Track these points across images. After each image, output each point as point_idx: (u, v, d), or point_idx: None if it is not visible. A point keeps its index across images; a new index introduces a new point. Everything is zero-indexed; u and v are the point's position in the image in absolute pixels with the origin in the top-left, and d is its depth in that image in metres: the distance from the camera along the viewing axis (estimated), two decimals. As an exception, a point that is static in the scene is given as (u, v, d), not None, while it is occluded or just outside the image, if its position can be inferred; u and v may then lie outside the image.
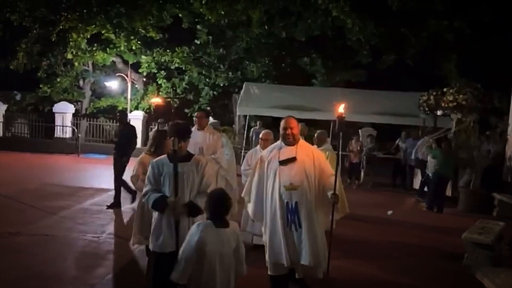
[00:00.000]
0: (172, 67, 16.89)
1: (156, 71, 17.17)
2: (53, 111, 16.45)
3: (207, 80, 16.71)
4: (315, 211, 3.94)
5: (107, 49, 16.27)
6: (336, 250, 4.65)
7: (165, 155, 3.54)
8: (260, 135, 5.76)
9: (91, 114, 17.82)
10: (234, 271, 3.07)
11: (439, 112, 10.30)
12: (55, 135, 16.25)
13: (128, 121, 9.17)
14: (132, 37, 15.75)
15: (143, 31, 15.41)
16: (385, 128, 14.56)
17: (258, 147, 5.70)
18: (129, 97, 16.96)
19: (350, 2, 12.45)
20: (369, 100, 12.54)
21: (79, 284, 4.40)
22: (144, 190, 3.53)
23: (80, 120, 17.16)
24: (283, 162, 3.91)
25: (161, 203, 3.32)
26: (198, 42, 16.38)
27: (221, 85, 16.47)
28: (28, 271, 4.58)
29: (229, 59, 16.65)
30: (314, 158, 3.98)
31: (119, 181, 7.55)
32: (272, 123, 15.16)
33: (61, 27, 15.20)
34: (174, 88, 17.39)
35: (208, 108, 17.12)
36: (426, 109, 10.44)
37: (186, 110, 17.23)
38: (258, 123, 14.26)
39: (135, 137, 7.95)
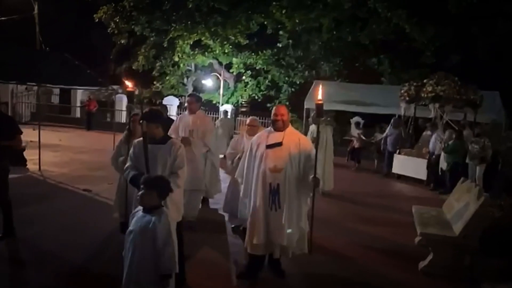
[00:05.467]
0: (257, 68, 19.70)
1: (243, 71, 20.12)
2: (163, 103, 20.25)
3: (286, 78, 19.17)
4: (297, 193, 4.11)
5: (206, 52, 19.76)
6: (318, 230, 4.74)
7: None
8: (247, 121, 5.95)
9: (192, 106, 21.41)
10: None
11: (418, 102, 10.87)
12: (164, 123, 19.95)
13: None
14: (225, 42, 18.93)
15: (232, 38, 18.42)
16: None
17: (244, 133, 5.81)
18: (221, 92, 20.16)
19: (408, 10, 13.79)
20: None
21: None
22: (126, 166, 3.86)
23: (183, 111, 20.83)
24: (269, 146, 4.13)
25: (137, 180, 3.49)
26: (280, 45, 18.93)
27: (298, 82, 18.79)
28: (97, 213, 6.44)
29: (308, 60, 18.88)
30: (300, 145, 4.15)
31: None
32: (334, 116, 17.14)
33: (170, 35, 18.99)
34: (259, 86, 20.19)
35: (287, 103, 19.60)
36: (407, 98, 11.00)
37: (268, 105, 19.88)
38: (325, 115, 15.98)
39: (14, 131, 5.13)
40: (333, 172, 9.06)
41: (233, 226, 5.89)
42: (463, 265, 4.69)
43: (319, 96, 3.98)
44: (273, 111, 4.28)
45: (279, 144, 4.10)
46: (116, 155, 4.75)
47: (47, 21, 21.40)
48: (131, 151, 3.85)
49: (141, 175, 3.49)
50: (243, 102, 22.34)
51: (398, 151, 11.48)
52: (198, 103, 6.08)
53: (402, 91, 11.21)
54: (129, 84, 3.93)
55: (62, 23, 21.78)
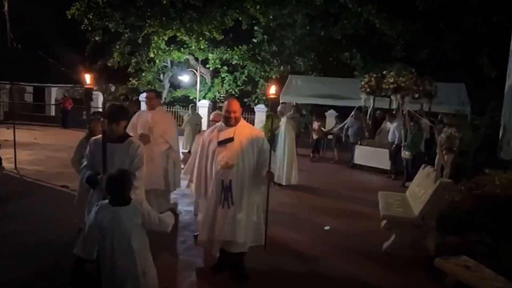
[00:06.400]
0: (233, 63, 19.93)
1: (220, 67, 20.30)
2: (139, 99, 20.18)
3: (262, 73, 19.47)
4: (250, 189, 4.02)
5: (181, 48, 19.85)
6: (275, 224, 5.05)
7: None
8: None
9: (169, 103, 21.53)
10: (143, 243, 3.07)
11: (380, 93, 11.05)
12: (141, 119, 19.95)
13: None
14: (201, 38, 19.06)
15: (208, 33, 18.58)
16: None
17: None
18: (198, 88, 20.30)
19: (377, 5, 14.25)
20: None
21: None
22: (82, 165, 3.73)
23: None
24: (221, 143, 4.02)
25: (93, 180, 3.47)
26: (256, 41, 19.20)
27: (274, 77, 19.10)
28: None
29: (284, 55, 19.21)
30: (253, 138, 4.05)
31: None
32: (312, 109, 17.51)
33: (145, 31, 19.00)
34: (236, 81, 20.43)
35: (264, 98, 19.88)
36: (368, 90, 11.19)
37: (245, 100, 20.14)
38: (292, 109, 15.77)
39: None
40: (296, 166, 8.90)
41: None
42: (422, 244, 5.07)
43: (271, 91, 4.07)
44: (224, 107, 4.13)
45: (231, 139, 4.00)
46: (77, 156, 4.52)
47: (18, 18, 21.03)
48: (87, 150, 3.72)
49: (97, 175, 3.45)
50: (222, 97, 22.49)
51: (359, 142, 11.61)
52: (157, 99, 5.88)
53: (363, 83, 11.35)
54: (87, 79, 3.58)
55: (34, 20, 21.45)
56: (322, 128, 12.85)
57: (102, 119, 3.49)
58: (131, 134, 5.30)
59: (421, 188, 5.59)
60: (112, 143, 3.52)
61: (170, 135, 5.68)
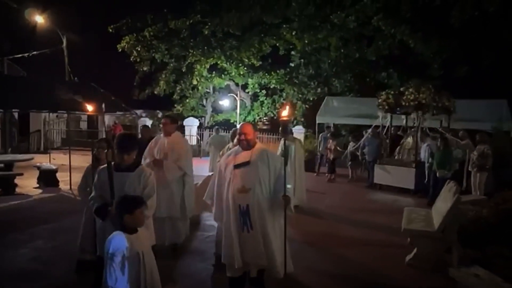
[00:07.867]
0: (271, 87, 20.61)
1: (259, 91, 21.04)
2: (184, 124, 21.23)
3: (300, 95, 19.95)
4: (269, 212, 3.92)
5: (222, 75, 20.85)
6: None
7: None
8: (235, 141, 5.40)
9: (211, 126, 22.44)
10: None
11: (401, 110, 10.69)
12: (185, 143, 20.91)
13: None
14: (240, 65, 19.97)
15: (246, 60, 19.44)
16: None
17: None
18: (238, 111, 21.08)
19: (411, 25, 14.38)
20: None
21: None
22: (91, 196, 3.60)
23: (203, 131, 21.84)
24: (237, 166, 3.98)
25: (103, 211, 3.37)
26: (293, 65, 19.80)
27: (311, 99, 19.52)
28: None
29: (321, 77, 19.65)
30: (269, 161, 3.98)
31: None
32: (351, 130, 17.57)
33: (189, 60, 20.18)
34: (274, 104, 21.04)
35: (302, 119, 20.26)
36: (386, 107, 10.84)
37: (284, 122, 20.56)
38: (326, 129, 15.41)
39: None
40: (304, 186, 8.64)
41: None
42: (443, 257, 5.18)
43: (284, 113, 3.99)
44: (238, 130, 4.18)
45: (247, 163, 3.96)
46: (84, 185, 4.59)
47: (74, 53, 22.96)
48: (95, 179, 3.63)
49: (106, 206, 3.37)
50: (265, 119, 22.93)
51: (378, 161, 11.25)
52: (173, 124, 5.72)
53: (380, 100, 11.05)
54: (89, 108, 3.64)
55: (87, 53, 23.35)
56: (338, 148, 12.79)
57: (107, 148, 3.56)
58: (147, 159, 5.60)
59: (444, 203, 5.72)
60: (122, 172, 3.51)
61: (184, 161, 5.53)
